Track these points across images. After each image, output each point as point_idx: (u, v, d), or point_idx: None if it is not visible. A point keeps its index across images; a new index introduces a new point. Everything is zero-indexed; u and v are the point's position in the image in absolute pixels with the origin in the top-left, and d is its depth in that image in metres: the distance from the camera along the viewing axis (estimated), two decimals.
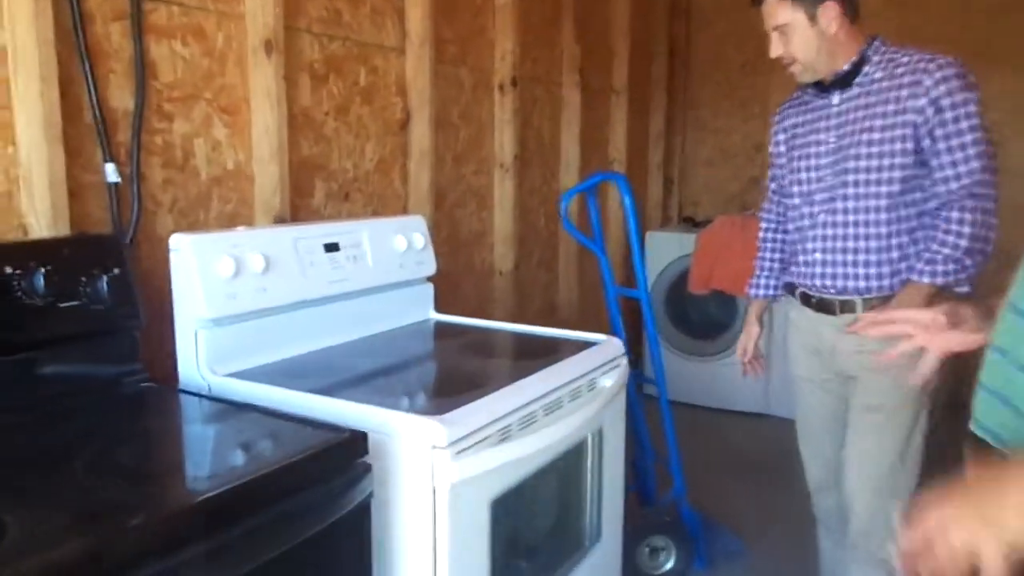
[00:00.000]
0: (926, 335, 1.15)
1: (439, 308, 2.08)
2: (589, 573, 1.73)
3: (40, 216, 1.43)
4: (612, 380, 1.70)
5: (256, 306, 1.54)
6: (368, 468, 1.14)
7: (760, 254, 2.09)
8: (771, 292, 2.07)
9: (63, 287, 1.28)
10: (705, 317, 4.10)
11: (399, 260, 1.92)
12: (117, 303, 1.35)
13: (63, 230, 1.45)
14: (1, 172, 1.42)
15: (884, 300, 1.75)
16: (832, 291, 1.81)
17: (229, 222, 1.86)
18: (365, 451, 1.14)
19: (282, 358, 1.61)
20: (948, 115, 1.64)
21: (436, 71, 2.49)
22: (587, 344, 1.78)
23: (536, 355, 1.69)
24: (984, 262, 1.69)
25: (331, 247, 1.74)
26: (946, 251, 1.67)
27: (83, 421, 1.22)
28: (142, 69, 1.62)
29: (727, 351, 3.99)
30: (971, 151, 1.64)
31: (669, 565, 2.35)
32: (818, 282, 1.83)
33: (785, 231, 2.01)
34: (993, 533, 0.70)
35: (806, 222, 1.86)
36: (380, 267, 1.86)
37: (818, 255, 1.83)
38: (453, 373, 1.71)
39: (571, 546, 1.71)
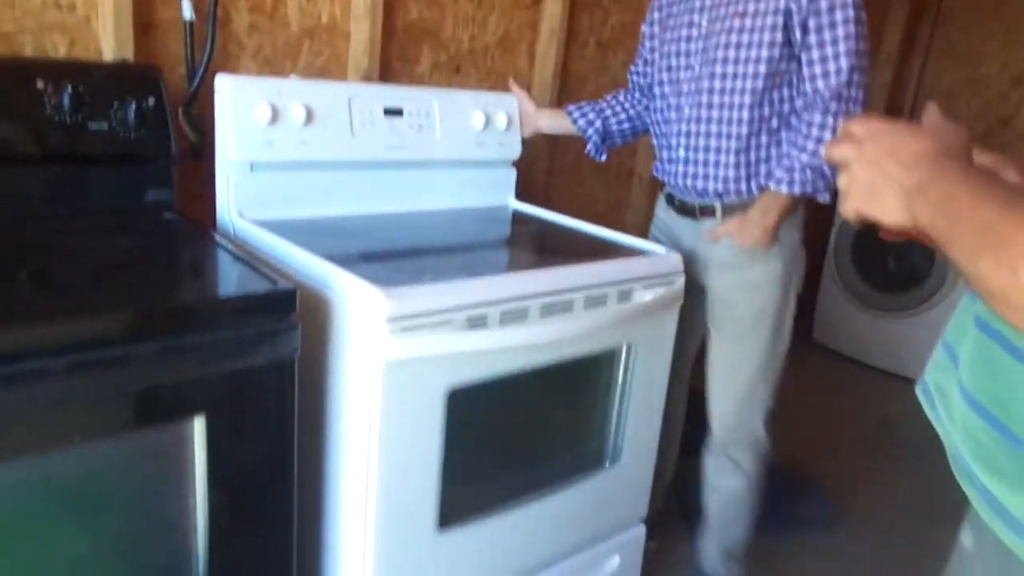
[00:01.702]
0: None
1: (547, 202, 1.97)
2: (601, 492, 1.61)
3: (108, 43, 1.52)
4: (654, 295, 1.52)
5: (293, 157, 1.54)
6: (294, 325, 1.11)
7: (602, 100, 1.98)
8: (580, 121, 1.94)
9: (93, 109, 1.34)
10: (896, 270, 3.59)
11: (475, 138, 1.83)
12: (148, 133, 1.41)
13: (126, 54, 1.52)
14: None
15: (743, 206, 1.65)
16: (693, 193, 1.72)
17: (319, 76, 1.86)
18: (292, 307, 1.11)
19: (320, 215, 1.61)
20: (823, 4, 1.51)
21: None
22: (640, 253, 1.60)
23: (579, 253, 1.55)
24: None
25: (393, 111, 1.69)
26: (805, 158, 1.56)
27: (77, 235, 1.31)
28: None
29: (915, 308, 3.50)
30: (842, 47, 1.52)
31: None
32: (680, 182, 1.73)
33: (634, 107, 1.94)
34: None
35: (672, 114, 1.73)
36: (449, 141, 1.78)
37: (681, 152, 1.71)
38: (475, 258, 1.62)
39: (583, 462, 1.60)
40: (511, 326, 1.29)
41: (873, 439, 2.94)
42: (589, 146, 1.97)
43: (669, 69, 1.73)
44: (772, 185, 1.59)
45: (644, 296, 1.50)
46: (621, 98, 1.97)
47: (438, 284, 1.23)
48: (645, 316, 1.52)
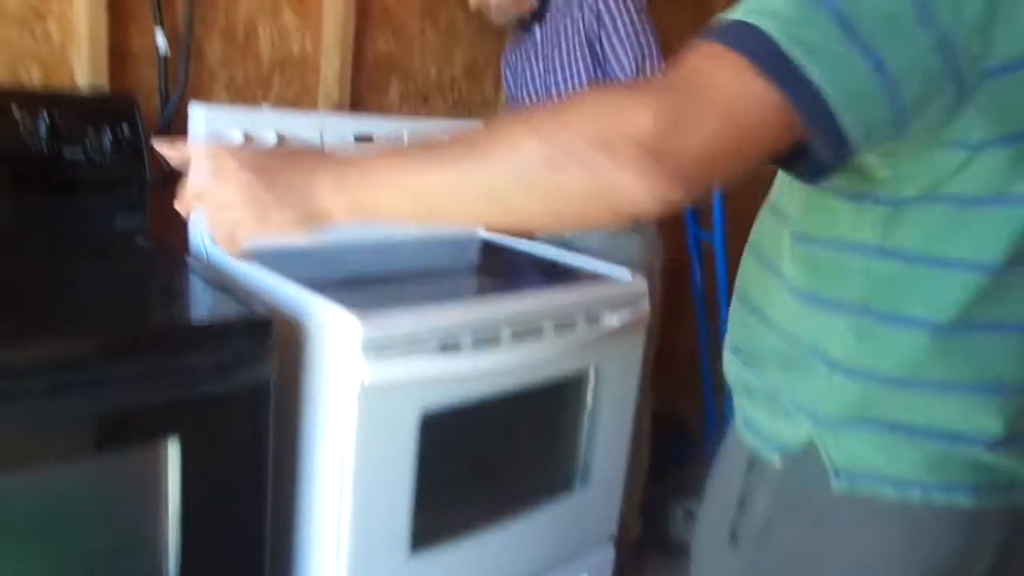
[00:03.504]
0: None
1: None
2: (571, 513, 1.64)
3: (83, 72, 1.53)
4: (621, 320, 1.56)
5: None
6: (269, 351, 1.13)
7: None
8: None
9: (69, 137, 1.36)
10: None
11: None
12: (123, 161, 1.42)
13: (100, 83, 1.54)
14: (59, 26, 1.52)
15: None
16: None
17: (290, 106, 1.89)
18: (268, 333, 1.13)
19: (292, 244, 1.63)
20: (607, 18, 1.80)
21: None
22: (608, 278, 1.65)
23: (548, 279, 1.59)
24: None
25: (363, 139, 1.72)
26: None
27: (52, 261, 1.31)
28: None
29: None
30: (628, 44, 1.79)
31: None
32: None
33: None
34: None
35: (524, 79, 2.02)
36: None
37: None
38: (446, 284, 1.66)
39: (553, 484, 1.62)
40: (483, 350, 1.32)
41: None
42: None
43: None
44: None
45: (611, 320, 1.55)
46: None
47: (412, 308, 1.26)
48: (612, 339, 1.56)
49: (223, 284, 1.28)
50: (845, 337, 0.74)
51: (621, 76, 1.83)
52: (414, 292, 1.56)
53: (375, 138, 1.73)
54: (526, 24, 2.00)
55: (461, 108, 2.27)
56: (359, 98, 2.01)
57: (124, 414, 1.02)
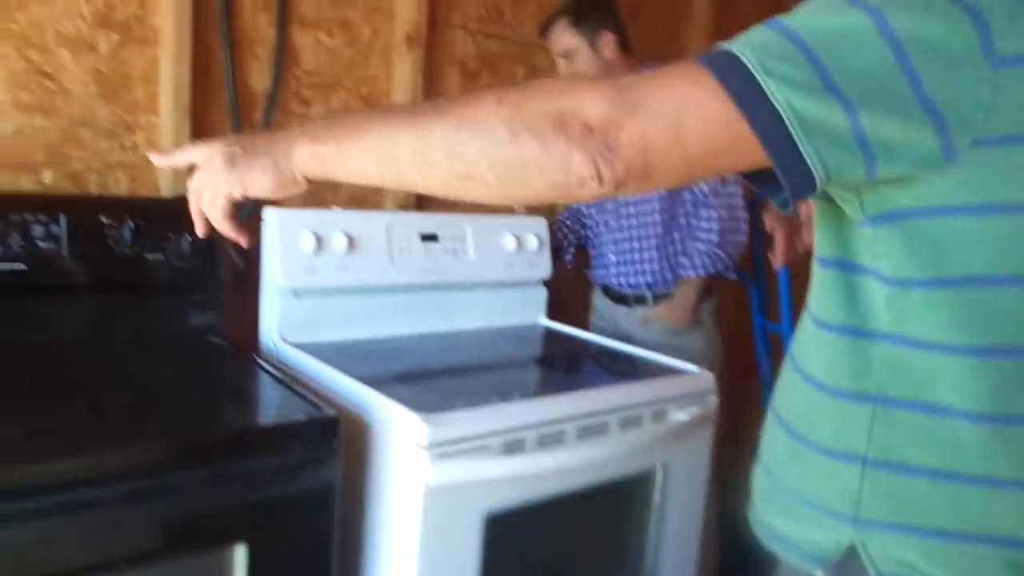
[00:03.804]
0: None
1: (574, 317, 2.07)
2: None
3: (165, 180, 1.62)
4: (689, 415, 1.53)
5: (335, 283, 1.60)
6: (336, 452, 1.14)
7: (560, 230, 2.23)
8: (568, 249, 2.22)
9: (150, 241, 1.43)
10: None
11: (507, 259, 1.90)
12: (199, 263, 1.48)
13: (182, 190, 1.62)
14: (146, 137, 1.62)
15: (669, 292, 2.05)
16: (627, 287, 2.10)
17: (357, 205, 1.96)
18: (335, 434, 1.14)
19: (360, 337, 1.66)
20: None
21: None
22: (674, 372, 1.62)
23: (612, 374, 1.57)
24: (740, 246, 2.01)
25: (428, 237, 1.76)
26: (701, 247, 1.97)
27: (130, 361, 1.36)
28: (282, 55, 1.76)
29: None
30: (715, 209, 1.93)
31: None
32: (614, 281, 2.13)
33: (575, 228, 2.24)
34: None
35: (602, 229, 2.14)
36: (482, 263, 1.84)
37: (612, 257, 2.12)
38: (510, 379, 1.65)
39: None
40: (548, 449, 1.31)
41: None
42: (563, 254, 2.21)
43: None
44: (682, 272, 2.01)
45: (679, 416, 1.52)
46: (569, 219, 2.24)
47: (476, 409, 1.26)
48: (680, 436, 1.53)
49: (291, 382, 1.30)
50: (872, 428, 0.71)
51: (702, 185, 1.92)
52: (478, 387, 1.55)
53: (440, 237, 1.77)
54: None
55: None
56: (423, 195, 2.07)
57: (193, 519, 1.03)
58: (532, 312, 2.00)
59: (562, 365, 1.83)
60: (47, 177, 1.51)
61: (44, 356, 1.32)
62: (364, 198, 1.96)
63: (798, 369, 0.82)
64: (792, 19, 0.64)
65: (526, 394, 1.37)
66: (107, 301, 1.41)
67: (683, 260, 2.01)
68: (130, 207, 1.44)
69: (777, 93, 0.61)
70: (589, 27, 1.96)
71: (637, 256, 2.06)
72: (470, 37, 2.11)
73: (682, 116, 0.64)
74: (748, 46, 0.63)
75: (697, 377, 1.60)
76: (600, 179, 0.65)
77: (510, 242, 1.89)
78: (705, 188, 1.94)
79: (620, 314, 2.12)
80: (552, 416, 1.32)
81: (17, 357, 1.30)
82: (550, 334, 1.96)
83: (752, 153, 0.64)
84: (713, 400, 1.60)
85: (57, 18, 1.49)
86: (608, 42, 1.97)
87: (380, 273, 1.67)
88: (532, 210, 2.02)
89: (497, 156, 0.67)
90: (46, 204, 1.35)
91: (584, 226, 2.24)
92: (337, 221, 1.62)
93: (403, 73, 1.93)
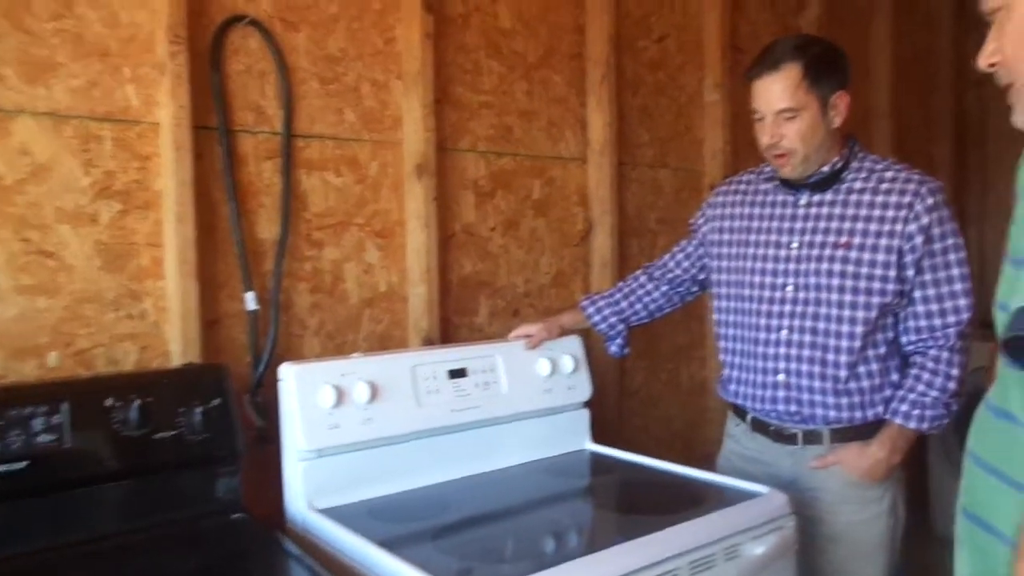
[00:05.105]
0: None
1: (621, 432, 1.90)
2: None
3: (176, 344, 1.54)
4: (765, 546, 1.36)
5: (360, 438, 1.49)
6: None
7: (623, 284, 1.93)
8: (601, 323, 1.89)
9: (159, 419, 1.33)
10: None
11: (543, 385, 1.77)
12: (214, 434, 1.38)
13: (194, 358, 1.53)
14: (153, 303, 1.55)
15: (854, 432, 1.60)
16: (796, 419, 1.63)
17: (380, 343, 1.86)
18: None
19: (390, 492, 1.53)
20: (937, 246, 1.53)
21: (629, 176, 2.37)
22: (743, 496, 1.46)
23: (672, 507, 1.41)
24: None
25: (457, 373, 1.65)
26: (934, 394, 1.55)
27: (151, 552, 1.24)
28: (288, 203, 1.71)
29: None
30: (958, 287, 1.55)
31: None
32: (780, 407, 1.63)
33: (656, 301, 1.89)
34: None
35: (762, 335, 1.64)
36: (516, 394, 1.72)
37: (781, 376, 1.62)
38: (556, 526, 1.49)
39: None
40: None
41: None
42: (608, 344, 1.94)
43: (748, 285, 1.67)
44: (899, 420, 1.56)
45: (755, 549, 1.35)
46: (640, 290, 1.91)
47: None
48: (759, 572, 1.36)
49: (318, 560, 1.17)
50: None
51: (939, 321, 1.55)
52: (517, 540, 1.40)
53: (469, 371, 1.66)
54: (791, 184, 1.65)
55: (553, 316, 2.21)
56: (447, 323, 1.97)
57: None
58: (576, 438, 1.85)
59: (610, 501, 1.67)
60: (52, 360, 1.43)
61: (51, 564, 1.21)
62: (385, 333, 1.87)
63: None
64: None
65: (568, 551, 1.22)
66: (116, 490, 1.30)
67: (902, 407, 1.56)
68: (137, 384, 1.35)
69: None
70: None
71: (819, 383, 1.60)
72: (481, 158, 2.06)
73: None
74: None
75: (768, 498, 1.45)
76: None
77: (544, 367, 1.77)
78: (944, 325, 1.55)
79: (780, 455, 1.67)
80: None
81: (23, 570, 1.18)
82: (596, 461, 1.81)
83: None
84: (791, 524, 1.43)
85: (56, 194, 1.44)
86: (843, 105, 1.57)
87: (407, 419, 1.56)
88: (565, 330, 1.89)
89: None
90: (46, 393, 1.26)
91: (658, 305, 1.89)
92: (356, 370, 1.52)
93: (415, 203, 1.87)
